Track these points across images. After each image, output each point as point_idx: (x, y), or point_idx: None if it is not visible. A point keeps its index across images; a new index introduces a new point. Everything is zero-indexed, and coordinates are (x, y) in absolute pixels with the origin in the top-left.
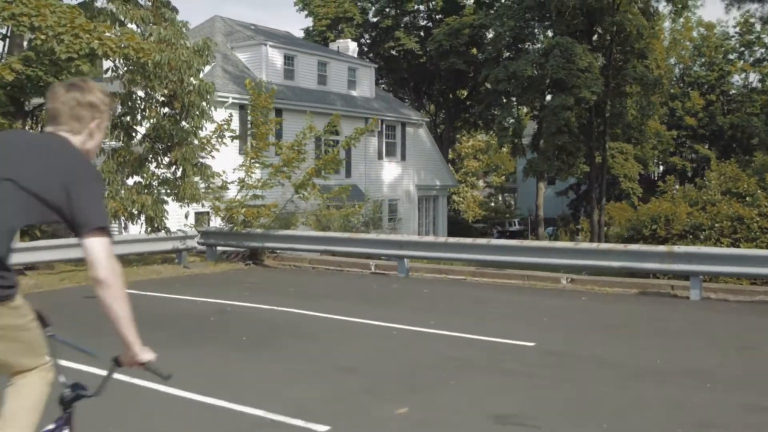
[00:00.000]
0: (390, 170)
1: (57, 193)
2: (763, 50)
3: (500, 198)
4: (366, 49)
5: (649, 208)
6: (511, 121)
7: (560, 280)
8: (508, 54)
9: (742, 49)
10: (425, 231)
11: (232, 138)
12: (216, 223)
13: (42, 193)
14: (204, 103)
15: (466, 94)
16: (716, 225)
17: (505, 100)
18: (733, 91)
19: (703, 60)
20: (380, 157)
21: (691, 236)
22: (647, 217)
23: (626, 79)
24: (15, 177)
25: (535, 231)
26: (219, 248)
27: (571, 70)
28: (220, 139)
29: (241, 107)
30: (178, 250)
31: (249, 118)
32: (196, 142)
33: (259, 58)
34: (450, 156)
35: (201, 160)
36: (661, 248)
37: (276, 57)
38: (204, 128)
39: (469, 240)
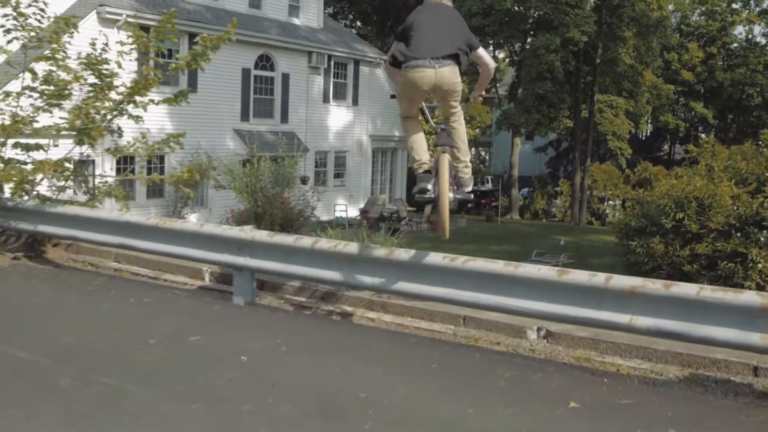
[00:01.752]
0: (338, 116)
1: None
2: None
3: (473, 153)
4: None
5: (672, 187)
6: None
7: None
8: None
9: None
10: (380, 189)
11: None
12: None
13: None
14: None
15: None
16: None
17: (479, 39)
18: (736, 45)
19: (704, 8)
20: (326, 99)
21: (740, 234)
22: (669, 200)
23: (622, 18)
24: None
25: (508, 192)
26: None
27: (558, 5)
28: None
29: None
30: None
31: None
32: None
33: None
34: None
35: None
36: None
37: None
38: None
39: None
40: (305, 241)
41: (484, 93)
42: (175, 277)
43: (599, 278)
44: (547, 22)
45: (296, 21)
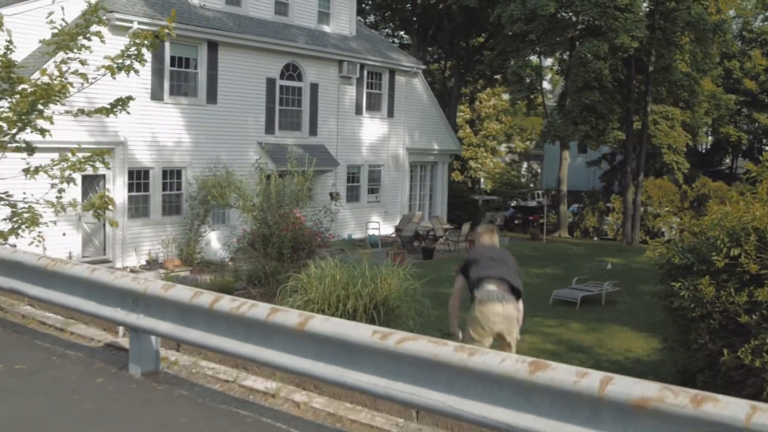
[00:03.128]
0: (372, 129)
1: None
2: None
3: (525, 167)
4: None
5: (725, 215)
6: (528, 71)
7: None
8: None
9: None
10: (418, 205)
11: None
12: None
13: None
14: None
15: (482, 41)
16: None
17: (522, 47)
18: None
19: (767, 14)
20: (359, 111)
21: None
22: (722, 231)
23: (677, 23)
24: None
25: (556, 208)
26: None
27: (606, 9)
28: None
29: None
30: None
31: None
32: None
33: None
34: (467, 116)
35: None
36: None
37: None
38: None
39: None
40: (204, 297)
41: None
42: (87, 329)
43: (591, 381)
44: (594, 28)
45: (326, 28)
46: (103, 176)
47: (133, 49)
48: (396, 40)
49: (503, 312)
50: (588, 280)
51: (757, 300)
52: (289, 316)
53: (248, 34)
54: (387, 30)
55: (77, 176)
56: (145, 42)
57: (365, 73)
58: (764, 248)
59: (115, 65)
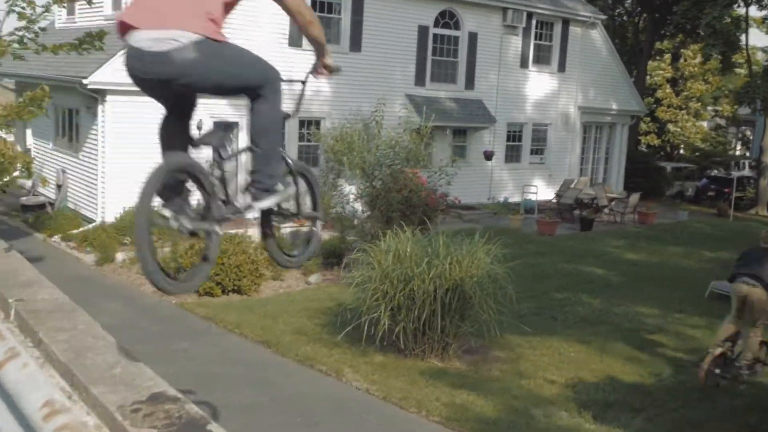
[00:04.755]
0: (539, 84)
1: None
2: None
3: (733, 132)
4: None
5: None
6: (726, 21)
7: None
8: None
9: None
10: (591, 170)
11: None
12: None
13: None
14: None
15: None
16: None
17: None
18: None
19: None
20: (524, 64)
21: None
22: None
23: None
24: None
25: (755, 182)
26: None
27: None
28: None
29: None
30: None
31: None
32: None
33: None
34: (667, 74)
35: None
36: None
37: None
38: None
39: None
40: None
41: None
42: None
43: None
44: None
45: None
46: (237, 123)
47: None
48: None
49: None
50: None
51: None
52: None
53: None
54: None
55: (209, 122)
56: None
57: (533, 22)
58: None
59: None
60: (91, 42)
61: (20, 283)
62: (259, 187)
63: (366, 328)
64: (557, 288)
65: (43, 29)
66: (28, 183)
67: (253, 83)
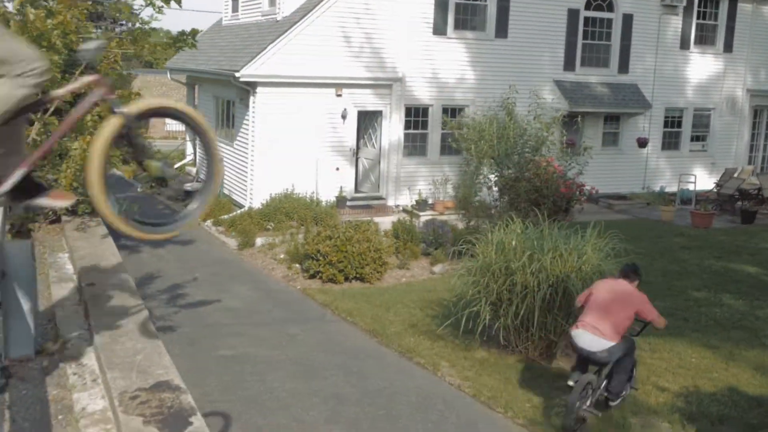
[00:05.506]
0: (701, 66)
1: None
2: None
3: None
4: None
5: None
6: None
7: None
8: None
9: None
10: (762, 158)
11: None
12: None
13: None
14: None
15: None
16: None
17: None
18: None
19: None
20: (684, 45)
21: None
22: None
23: None
24: None
25: None
26: None
27: None
28: None
29: None
30: None
31: None
32: None
33: None
34: None
35: None
36: None
37: None
38: None
39: None
40: None
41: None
42: None
43: None
44: None
45: None
46: (380, 112)
47: None
48: None
49: None
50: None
51: None
52: None
53: None
54: None
55: (353, 111)
56: None
57: (695, 0)
58: None
59: None
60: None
61: (100, 268)
62: None
63: (466, 322)
64: (698, 286)
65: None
66: (194, 170)
67: None
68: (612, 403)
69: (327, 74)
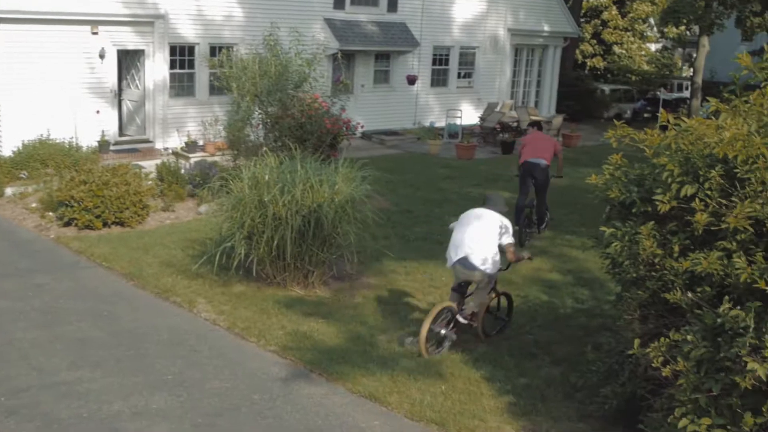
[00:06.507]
0: (466, 6)
1: None
2: None
3: (678, 53)
4: None
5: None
6: None
7: None
8: None
9: None
10: (523, 93)
11: None
12: None
13: None
14: None
15: None
16: None
17: None
18: None
19: None
20: None
21: None
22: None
23: None
24: None
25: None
26: None
27: None
28: None
29: None
30: None
31: None
32: None
33: None
34: None
35: None
36: None
37: None
38: None
39: None
40: None
41: None
42: None
43: None
44: None
45: None
46: (143, 51)
47: None
48: None
49: None
50: None
51: (697, 274)
52: None
53: None
54: None
55: (112, 50)
56: None
57: None
58: (732, 187)
59: None
60: None
61: None
62: None
63: (222, 257)
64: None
65: None
66: None
67: None
68: None
69: (80, 10)
